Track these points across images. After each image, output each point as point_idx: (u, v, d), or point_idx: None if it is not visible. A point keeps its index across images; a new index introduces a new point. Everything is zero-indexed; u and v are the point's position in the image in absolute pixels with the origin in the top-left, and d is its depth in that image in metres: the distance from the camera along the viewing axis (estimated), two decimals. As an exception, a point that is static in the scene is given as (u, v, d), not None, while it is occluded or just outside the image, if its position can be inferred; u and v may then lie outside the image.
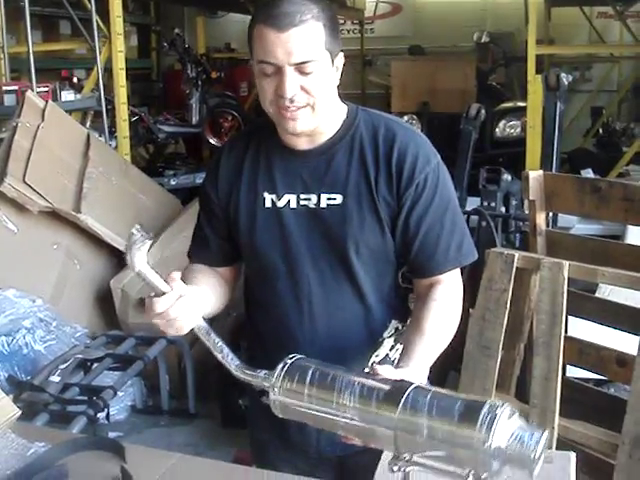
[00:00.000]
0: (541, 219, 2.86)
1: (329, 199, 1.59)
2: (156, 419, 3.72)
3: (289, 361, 1.34)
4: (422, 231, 1.58)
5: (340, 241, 1.59)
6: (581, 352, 2.70)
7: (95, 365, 3.27)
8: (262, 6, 1.52)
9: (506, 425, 1.14)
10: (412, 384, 1.25)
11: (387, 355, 1.67)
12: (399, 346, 1.65)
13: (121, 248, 4.05)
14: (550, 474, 1.44)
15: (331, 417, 1.28)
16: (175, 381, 3.75)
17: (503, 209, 4.06)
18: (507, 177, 4.02)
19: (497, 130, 6.64)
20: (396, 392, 1.24)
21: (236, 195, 1.64)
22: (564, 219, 3.97)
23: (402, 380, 1.29)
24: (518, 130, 6.56)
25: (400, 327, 1.69)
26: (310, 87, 1.49)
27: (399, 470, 1.23)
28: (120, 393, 3.42)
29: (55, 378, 3.02)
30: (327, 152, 1.61)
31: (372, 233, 1.59)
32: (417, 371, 1.46)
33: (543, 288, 2.52)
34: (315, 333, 1.63)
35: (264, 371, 1.35)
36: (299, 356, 1.35)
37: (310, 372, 1.31)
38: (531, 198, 2.83)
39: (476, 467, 1.16)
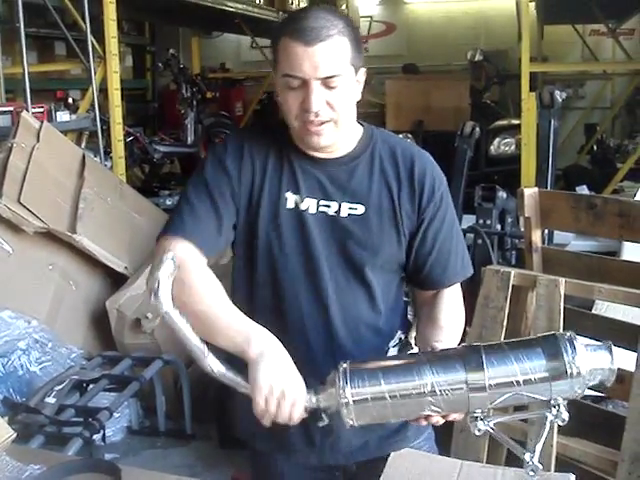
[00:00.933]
0: (537, 236, 2.87)
1: (350, 208, 1.60)
2: (152, 440, 3.69)
3: (345, 366, 1.39)
4: (437, 245, 1.66)
5: (359, 250, 1.61)
6: (578, 369, 2.68)
7: (91, 386, 3.25)
8: (287, 20, 1.56)
9: (582, 349, 1.35)
10: (479, 345, 1.39)
11: None
12: (405, 350, 1.72)
13: (117, 268, 4.05)
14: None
15: (418, 400, 1.35)
16: (172, 402, 3.73)
17: (499, 227, 4.06)
18: (502, 194, 4.03)
19: (492, 148, 6.67)
20: (473, 355, 1.36)
21: (259, 189, 1.60)
22: (560, 236, 3.98)
23: (467, 345, 1.42)
24: (512, 148, 6.59)
25: (403, 338, 1.73)
26: (334, 102, 1.51)
27: (485, 428, 1.38)
28: (116, 414, 3.40)
29: (51, 399, 2.99)
30: (348, 164, 1.63)
31: (390, 245, 1.63)
32: None
33: (540, 305, 2.52)
34: (330, 339, 1.62)
35: (315, 396, 1.40)
36: (345, 364, 1.40)
37: (377, 369, 1.38)
38: (526, 215, 2.83)
39: (564, 395, 1.35)
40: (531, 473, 1.36)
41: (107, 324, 3.88)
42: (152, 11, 8.12)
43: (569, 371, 1.33)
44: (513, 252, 4.04)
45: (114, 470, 1.50)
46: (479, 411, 1.38)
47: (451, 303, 1.70)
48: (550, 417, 1.37)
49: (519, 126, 5.71)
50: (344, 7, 9.90)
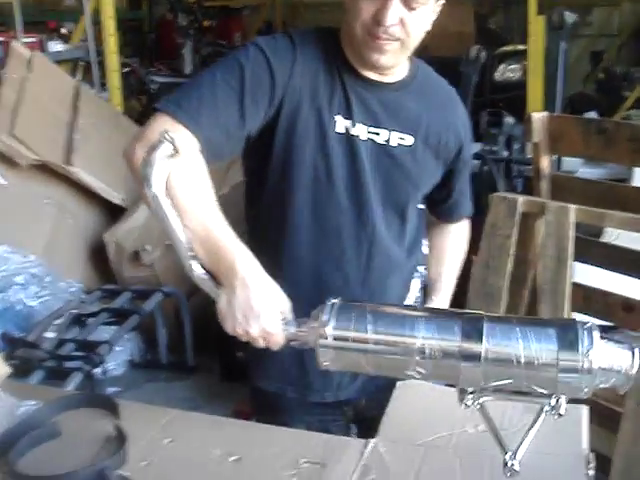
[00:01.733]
0: (545, 162, 2.78)
1: (400, 139, 1.53)
2: (154, 373, 3.68)
3: (335, 302, 1.24)
4: (461, 181, 1.71)
5: (404, 183, 1.55)
6: (587, 298, 2.63)
7: (90, 320, 3.22)
8: None
9: (600, 344, 1.14)
10: (484, 313, 1.21)
11: (409, 298, 1.70)
12: (421, 287, 1.73)
13: (114, 200, 3.97)
14: (562, 428, 1.37)
15: (403, 357, 1.19)
16: (173, 334, 3.70)
17: (505, 153, 3.97)
18: (509, 120, 3.93)
19: (497, 74, 6.50)
20: (475, 321, 1.19)
21: (307, 108, 1.46)
22: (568, 163, 3.88)
23: (472, 312, 1.24)
24: (518, 74, 6.42)
25: (423, 270, 1.73)
26: (409, 23, 1.41)
27: (473, 404, 1.20)
28: (118, 348, 3.37)
29: (50, 334, 2.96)
30: (400, 90, 1.54)
31: (430, 179, 1.61)
32: (446, 300, 1.70)
33: (548, 233, 2.45)
34: (368, 272, 1.57)
35: (305, 319, 1.27)
36: (336, 300, 1.25)
37: (366, 312, 1.22)
38: (535, 140, 2.74)
39: (569, 390, 1.16)
40: (508, 474, 1.17)
41: (106, 257, 3.83)
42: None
43: (581, 365, 1.12)
44: (520, 179, 3.95)
45: (112, 405, 1.45)
46: (471, 387, 1.20)
47: (460, 234, 1.80)
48: (546, 407, 1.19)
49: (525, 52, 5.56)
50: None
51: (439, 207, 1.76)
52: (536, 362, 1.14)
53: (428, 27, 1.49)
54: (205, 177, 1.34)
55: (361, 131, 1.49)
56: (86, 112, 4.14)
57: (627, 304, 2.53)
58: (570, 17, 3.93)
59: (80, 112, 4.11)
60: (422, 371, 1.20)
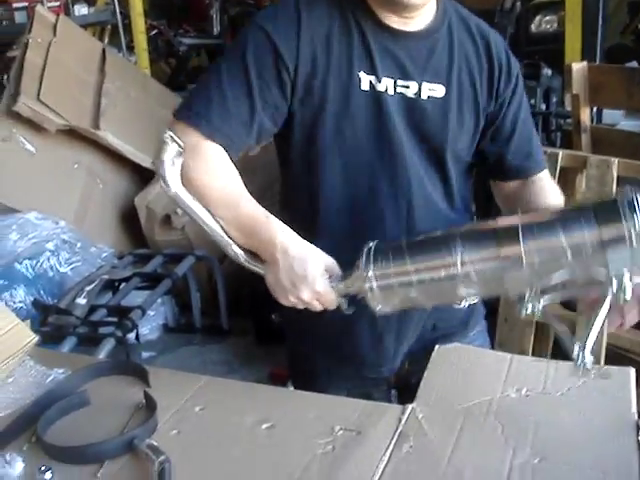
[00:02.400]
0: (585, 115, 2.70)
1: (431, 90, 1.43)
2: (189, 337, 3.67)
3: (371, 246, 1.25)
4: (518, 129, 1.54)
5: (440, 136, 1.46)
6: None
7: (123, 285, 3.20)
8: None
9: None
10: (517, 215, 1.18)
11: None
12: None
13: (143, 164, 3.94)
14: (608, 389, 1.32)
15: (448, 280, 1.18)
16: (206, 298, 3.68)
17: (543, 106, 3.86)
18: (547, 72, 3.81)
19: (532, 26, 6.32)
20: (509, 226, 1.15)
21: (324, 70, 1.38)
22: (608, 115, 3.76)
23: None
24: (555, 25, 6.24)
25: None
26: None
27: (533, 310, 1.14)
28: (151, 312, 3.36)
29: (82, 300, 2.94)
30: (427, 38, 1.44)
31: (468, 133, 1.49)
32: None
33: (590, 187, 2.38)
34: (411, 234, 1.45)
35: (349, 271, 1.28)
36: (372, 243, 1.26)
37: (402, 246, 1.23)
38: (574, 92, 2.66)
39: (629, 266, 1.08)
40: (581, 367, 1.15)
41: (137, 222, 3.81)
42: None
43: (628, 236, 1.06)
44: (558, 133, 3.84)
45: (141, 372, 1.42)
46: (527, 292, 1.15)
47: (548, 189, 1.56)
48: (611, 291, 1.10)
49: (561, 2, 5.40)
50: None
51: (507, 165, 1.56)
52: (583, 249, 1.10)
53: None
54: (223, 165, 1.35)
55: (389, 86, 1.41)
56: (113, 75, 4.10)
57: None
58: (610, -37, 3.78)
59: (107, 76, 4.07)
60: (470, 289, 1.20)
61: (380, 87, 1.40)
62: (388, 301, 1.25)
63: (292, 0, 1.40)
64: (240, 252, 1.34)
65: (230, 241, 1.33)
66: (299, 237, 1.31)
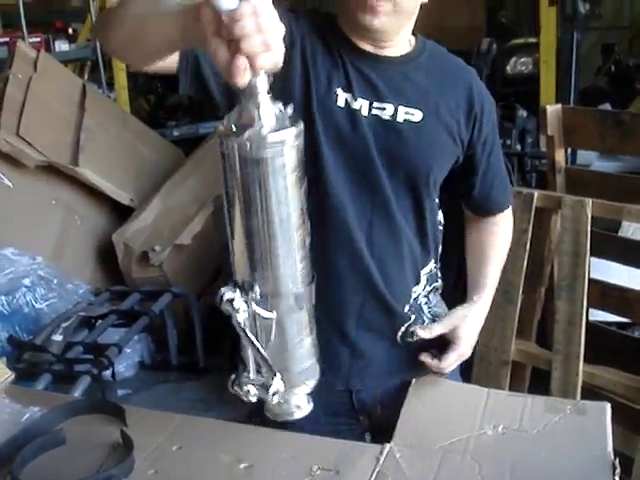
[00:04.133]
0: (560, 156, 2.74)
1: (407, 113, 1.45)
2: (165, 375, 3.63)
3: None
4: (491, 166, 1.59)
5: (414, 160, 1.46)
6: (604, 294, 2.58)
7: (99, 322, 3.18)
8: None
9: None
10: None
11: (422, 302, 1.59)
12: (434, 297, 1.62)
13: (122, 200, 3.94)
14: (585, 426, 1.33)
15: None
16: (183, 335, 3.66)
17: (519, 147, 3.92)
18: (522, 113, 3.88)
19: (508, 67, 6.42)
20: None
21: (306, 82, 1.40)
22: (582, 157, 3.82)
23: None
24: (530, 67, 6.34)
25: (435, 271, 1.62)
26: None
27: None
28: (127, 350, 3.33)
29: (57, 337, 2.91)
30: (403, 65, 1.48)
31: (444, 160, 1.51)
32: (488, 301, 1.62)
33: (565, 228, 2.40)
34: (371, 255, 1.48)
35: None
36: None
37: None
38: (549, 134, 2.70)
39: None
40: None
41: (114, 258, 3.79)
42: None
43: None
44: (533, 174, 3.90)
45: (118, 410, 1.41)
46: None
47: (502, 227, 1.70)
48: None
49: (536, 45, 5.49)
50: None
51: (471, 198, 1.64)
52: None
53: None
54: None
55: (363, 105, 1.43)
56: (93, 112, 4.11)
57: (646, 300, 2.48)
58: (583, 7, 3.87)
59: (87, 112, 4.08)
60: None
61: (355, 105, 1.43)
62: None
63: (287, 15, 1.38)
64: None
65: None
66: None
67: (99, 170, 3.87)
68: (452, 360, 1.54)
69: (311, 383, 1.15)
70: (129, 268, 3.75)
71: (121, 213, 4.00)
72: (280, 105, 0.98)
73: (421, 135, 1.46)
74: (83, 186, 3.90)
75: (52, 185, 3.85)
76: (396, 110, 1.44)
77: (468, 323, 1.58)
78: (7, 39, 4.50)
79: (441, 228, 1.66)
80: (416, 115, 1.45)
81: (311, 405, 1.15)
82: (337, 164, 1.43)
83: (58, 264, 3.60)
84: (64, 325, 2.98)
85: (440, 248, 1.65)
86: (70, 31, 5.71)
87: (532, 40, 6.25)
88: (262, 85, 0.94)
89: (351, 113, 1.42)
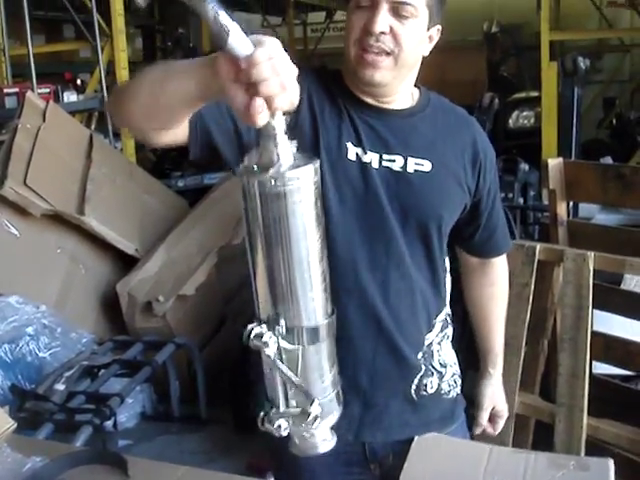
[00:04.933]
0: (562, 209, 2.75)
1: (417, 164, 1.49)
2: (167, 426, 3.61)
3: None
4: (494, 213, 1.66)
5: (425, 211, 1.50)
6: (607, 347, 2.58)
7: (102, 372, 3.17)
8: None
9: None
10: None
11: (435, 348, 1.61)
12: (445, 344, 1.64)
13: (127, 250, 3.96)
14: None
15: None
16: (185, 386, 3.64)
17: (521, 200, 3.94)
18: (524, 167, 3.91)
19: (510, 121, 6.50)
20: None
21: (315, 137, 1.44)
22: (584, 209, 3.85)
23: None
24: (532, 121, 6.42)
25: (448, 317, 1.65)
26: (400, 33, 1.41)
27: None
28: (129, 400, 3.32)
29: (60, 386, 2.90)
30: (409, 117, 1.52)
31: (454, 208, 1.56)
32: (501, 363, 1.80)
33: (567, 281, 2.41)
34: (385, 305, 1.51)
35: None
36: None
37: None
38: (551, 187, 2.72)
39: None
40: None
41: (118, 308, 3.79)
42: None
43: None
44: (536, 226, 3.92)
45: (120, 461, 1.41)
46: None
47: (502, 289, 1.78)
48: None
49: (538, 99, 5.57)
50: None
51: (473, 242, 1.70)
52: None
53: (424, 50, 1.49)
54: None
55: (373, 159, 1.47)
56: (99, 162, 4.15)
57: (649, 353, 2.48)
58: (584, 62, 3.93)
59: (93, 162, 4.11)
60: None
61: (366, 159, 1.46)
62: None
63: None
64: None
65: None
66: None
67: (104, 220, 3.89)
68: (502, 425, 1.83)
69: (336, 414, 1.15)
70: (133, 318, 3.75)
71: (126, 263, 4.02)
72: (295, 144, 1.02)
73: (432, 185, 1.49)
74: (88, 235, 3.92)
75: (57, 234, 3.87)
76: (406, 161, 1.48)
77: (497, 394, 1.80)
78: (17, 89, 4.55)
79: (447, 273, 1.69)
80: (425, 165, 1.49)
81: (335, 437, 1.15)
82: (346, 215, 1.46)
83: (62, 313, 3.61)
84: (67, 374, 2.98)
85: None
86: (78, 82, 5.78)
87: (534, 94, 6.34)
88: (279, 125, 0.98)
89: (362, 166, 1.46)
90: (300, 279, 1.05)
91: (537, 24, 5.55)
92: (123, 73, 5.14)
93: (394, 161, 1.47)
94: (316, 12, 10.35)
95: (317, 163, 1.03)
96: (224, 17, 0.93)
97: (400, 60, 1.43)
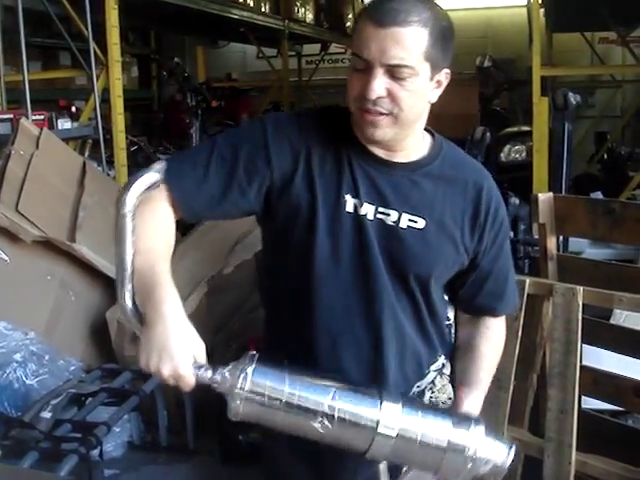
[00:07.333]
0: (552, 243, 2.77)
1: (411, 220, 1.49)
2: (154, 455, 3.58)
3: (254, 354, 1.32)
4: (495, 272, 1.61)
5: (412, 264, 1.51)
6: (596, 382, 2.58)
7: (89, 400, 3.14)
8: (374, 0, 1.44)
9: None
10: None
11: (426, 387, 1.62)
12: (440, 381, 1.64)
13: (117, 278, 3.94)
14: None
15: (311, 414, 1.28)
16: (173, 416, 3.62)
17: (511, 234, 3.96)
18: (515, 201, 3.94)
19: (502, 155, 6.53)
20: (389, 405, 1.30)
21: (312, 191, 1.47)
22: (574, 244, 3.86)
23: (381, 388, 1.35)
24: (523, 155, 6.45)
25: (445, 363, 1.65)
26: (398, 95, 1.40)
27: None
28: (116, 429, 3.29)
29: (46, 414, 2.87)
30: (413, 172, 1.51)
31: (445, 267, 1.55)
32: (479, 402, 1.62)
33: (556, 315, 2.42)
34: (376, 356, 1.52)
35: (213, 371, 1.32)
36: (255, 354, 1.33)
37: (285, 371, 1.31)
38: (541, 221, 2.73)
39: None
40: None
41: (107, 335, 3.77)
42: (157, 19, 8.05)
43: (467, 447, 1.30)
44: (526, 260, 3.93)
45: (104, 492, 1.39)
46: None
47: (496, 332, 1.68)
48: None
49: (529, 133, 5.62)
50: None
51: (474, 300, 1.64)
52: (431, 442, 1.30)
53: (431, 97, 1.46)
54: (166, 226, 1.45)
55: (369, 211, 1.48)
56: (92, 189, 4.15)
57: (638, 388, 2.47)
58: (574, 98, 3.97)
59: (86, 189, 4.11)
60: (324, 431, 1.29)
61: (362, 211, 1.47)
62: (249, 408, 1.29)
63: (296, 117, 1.55)
64: (129, 301, 1.37)
65: (129, 287, 1.36)
66: (185, 317, 1.34)
67: (95, 247, 3.88)
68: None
69: None
70: (121, 346, 3.72)
71: (115, 291, 4.00)
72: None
73: (423, 242, 1.50)
74: (79, 262, 3.90)
75: (48, 260, 3.86)
76: (400, 216, 1.49)
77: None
78: (11, 115, 4.54)
79: (449, 323, 1.68)
80: (419, 222, 1.49)
81: None
82: (342, 265, 1.48)
83: (51, 339, 3.58)
84: (53, 402, 2.95)
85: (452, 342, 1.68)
86: (73, 109, 5.79)
87: (525, 128, 6.39)
88: (204, 376, 1.31)
89: (358, 218, 1.47)
90: None
91: (529, 59, 5.61)
92: (118, 101, 5.15)
93: (388, 215, 1.49)
94: (311, 44, 10.44)
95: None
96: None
97: (400, 119, 1.43)
